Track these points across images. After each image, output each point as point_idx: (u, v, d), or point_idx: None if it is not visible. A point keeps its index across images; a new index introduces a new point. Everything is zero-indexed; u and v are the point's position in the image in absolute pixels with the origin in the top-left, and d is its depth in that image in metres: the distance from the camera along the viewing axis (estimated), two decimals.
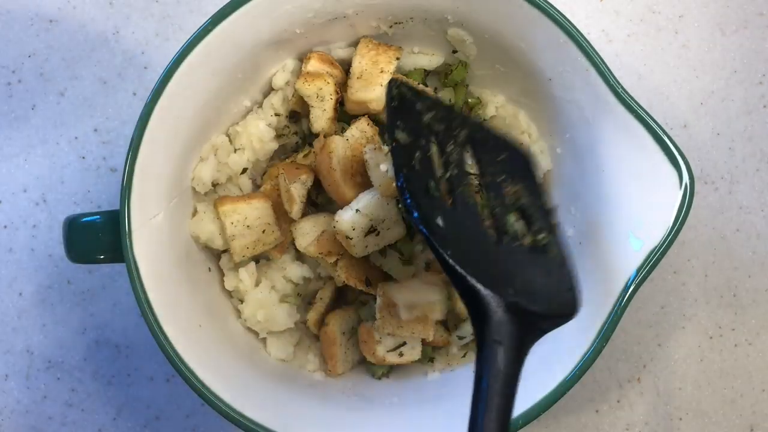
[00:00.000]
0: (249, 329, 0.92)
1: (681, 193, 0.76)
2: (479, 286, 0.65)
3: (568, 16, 0.78)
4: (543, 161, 0.91)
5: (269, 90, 0.93)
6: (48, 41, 1.04)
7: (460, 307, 0.90)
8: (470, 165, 0.76)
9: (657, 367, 1.03)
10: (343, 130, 0.88)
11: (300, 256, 0.92)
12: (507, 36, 0.84)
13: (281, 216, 0.90)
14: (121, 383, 1.01)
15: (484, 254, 0.70)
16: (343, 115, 0.90)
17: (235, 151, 0.91)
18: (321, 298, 0.92)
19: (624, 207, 0.80)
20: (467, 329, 0.90)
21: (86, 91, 1.04)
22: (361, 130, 0.86)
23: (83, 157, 1.03)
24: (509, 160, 0.78)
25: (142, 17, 1.04)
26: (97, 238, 0.80)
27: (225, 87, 0.85)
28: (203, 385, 0.77)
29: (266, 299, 0.89)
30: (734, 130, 1.05)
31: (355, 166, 0.85)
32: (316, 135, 0.89)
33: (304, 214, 0.90)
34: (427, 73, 0.93)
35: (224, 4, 0.78)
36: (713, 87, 1.05)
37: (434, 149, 0.73)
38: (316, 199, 0.91)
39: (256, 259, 0.92)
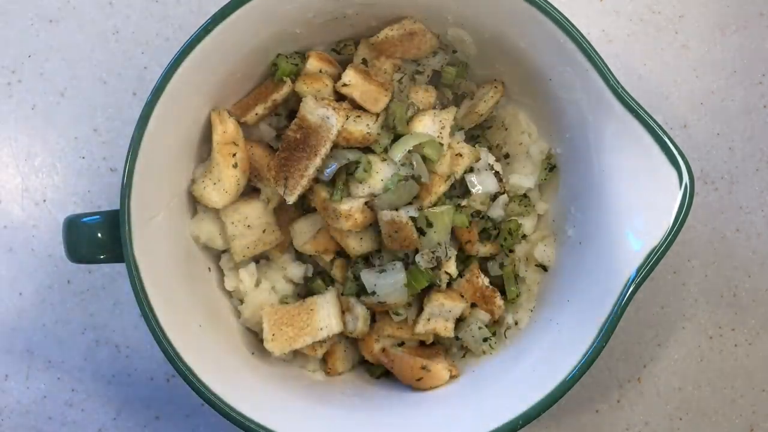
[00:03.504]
0: (249, 329, 0.92)
1: (681, 193, 0.76)
2: None
3: (568, 16, 0.78)
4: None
5: None
6: (48, 41, 1.04)
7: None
8: None
9: (657, 367, 1.03)
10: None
11: (300, 256, 0.92)
12: (507, 36, 0.84)
13: (281, 215, 0.90)
14: (121, 383, 1.01)
15: None
16: None
17: None
18: None
19: (624, 207, 0.80)
20: (467, 330, 0.90)
21: (86, 91, 1.04)
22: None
23: (83, 157, 1.03)
24: None
25: (142, 17, 1.04)
26: (97, 238, 0.79)
27: (225, 87, 0.85)
28: (203, 385, 0.77)
29: (266, 300, 0.89)
30: (734, 130, 1.05)
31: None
32: None
33: (301, 214, 0.90)
34: (430, 74, 0.93)
35: (224, 4, 0.78)
36: (713, 87, 1.05)
37: None
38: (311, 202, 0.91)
39: (256, 259, 0.92)
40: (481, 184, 0.88)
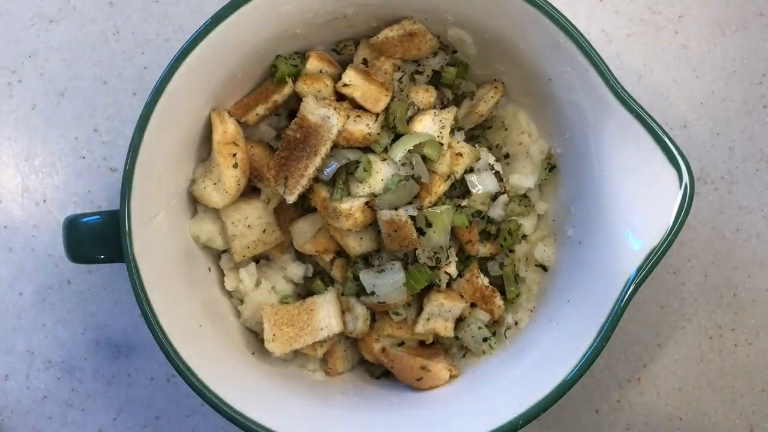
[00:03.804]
0: (249, 329, 0.92)
1: (681, 193, 0.76)
2: None
3: (568, 16, 0.79)
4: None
5: None
6: (48, 41, 1.04)
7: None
8: None
9: (657, 367, 1.03)
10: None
11: (300, 256, 0.92)
12: (507, 36, 0.84)
13: (281, 215, 0.90)
14: (121, 383, 1.01)
15: None
16: None
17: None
18: None
19: (624, 207, 0.80)
20: (466, 330, 0.90)
21: (86, 91, 1.04)
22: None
23: (83, 157, 1.03)
24: None
25: (142, 17, 1.04)
26: (97, 238, 0.80)
27: (225, 87, 0.85)
28: (203, 385, 0.77)
29: (266, 300, 0.89)
30: (734, 130, 1.05)
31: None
32: None
33: (301, 214, 0.90)
34: (430, 74, 0.93)
35: (224, 4, 0.78)
36: (713, 87, 1.05)
37: None
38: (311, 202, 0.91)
39: (256, 259, 0.92)
40: (481, 184, 0.88)
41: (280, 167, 0.83)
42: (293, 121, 0.83)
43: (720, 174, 1.04)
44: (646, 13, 1.05)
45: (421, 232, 0.82)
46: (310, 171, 0.82)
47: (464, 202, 0.88)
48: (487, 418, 0.78)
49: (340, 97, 0.87)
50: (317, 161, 0.81)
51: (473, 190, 0.88)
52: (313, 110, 0.82)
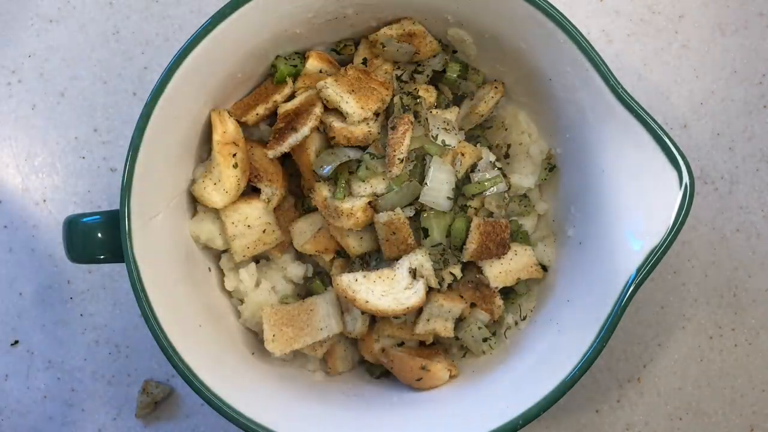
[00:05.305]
0: (249, 329, 0.92)
1: (681, 193, 0.76)
2: None
3: (568, 16, 0.78)
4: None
5: None
6: (48, 41, 1.04)
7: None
8: None
9: (657, 367, 1.03)
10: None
11: (300, 256, 0.92)
12: (507, 36, 0.84)
13: (281, 215, 0.90)
14: (121, 383, 1.01)
15: None
16: None
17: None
18: None
19: (624, 207, 0.80)
20: (466, 330, 0.90)
21: (86, 91, 1.04)
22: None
23: (83, 157, 1.03)
24: None
25: (142, 17, 1.04)
26: (97, 238, 0.80)
27: (225, 87, 0.85)
28: (203, 385, 0.77)
29: (266, 300, 0.89)
30: (734, 130, 1.05)
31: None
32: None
33: (301, 214, 0.90)
34: (430, 74, 0.93)
35: (224, 4, 0.78)
36: (713, 87, 1.05)
37: None
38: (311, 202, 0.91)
39: (256, 259, 0.92)
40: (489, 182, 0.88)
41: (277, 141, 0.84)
42: (277, 118, 0.84)
43: (720, 174, 1.04)
44: (646, 13, 1.05)
45: (425, 233, 0.83)
46: (307, 130, 0.82)
47: (474, 203, 0.87)
48: (487, 418, 0.77)
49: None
50: (312, 123, 0.83)
51: (486, 193, 0.87)
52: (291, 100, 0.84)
